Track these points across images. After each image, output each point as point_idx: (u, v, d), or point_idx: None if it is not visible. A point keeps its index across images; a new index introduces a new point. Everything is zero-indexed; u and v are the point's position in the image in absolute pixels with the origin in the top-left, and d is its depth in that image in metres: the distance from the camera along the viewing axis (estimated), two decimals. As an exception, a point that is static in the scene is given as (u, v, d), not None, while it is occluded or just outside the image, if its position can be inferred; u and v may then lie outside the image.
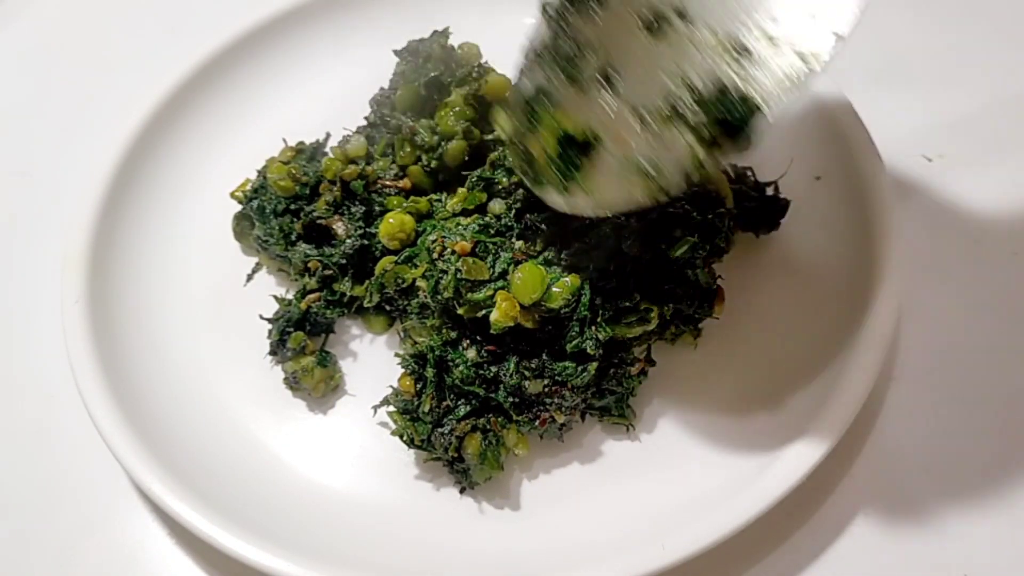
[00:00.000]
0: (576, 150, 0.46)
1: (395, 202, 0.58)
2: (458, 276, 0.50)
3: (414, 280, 0.53)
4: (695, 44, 0.42)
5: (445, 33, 0.62)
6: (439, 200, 0.58)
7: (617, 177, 0.43)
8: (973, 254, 0.61)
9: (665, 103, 0.42)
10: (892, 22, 0.74)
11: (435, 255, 0.52)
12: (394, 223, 0.55)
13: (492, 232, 0.52)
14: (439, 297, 0.51)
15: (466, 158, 0.58)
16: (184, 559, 0.52)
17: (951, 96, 0.69)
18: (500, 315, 0.49)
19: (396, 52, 0.62)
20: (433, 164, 0.58)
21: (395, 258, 0.55)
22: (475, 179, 0.55)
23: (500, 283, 0.50)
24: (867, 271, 0.54)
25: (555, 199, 0.47)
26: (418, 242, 0.55)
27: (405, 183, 0.59)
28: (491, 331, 0.50)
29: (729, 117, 0.40)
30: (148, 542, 0.53)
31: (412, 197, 0.58)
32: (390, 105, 0.61)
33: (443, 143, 0.58)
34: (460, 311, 0.50)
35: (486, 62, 0.62)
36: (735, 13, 0.41)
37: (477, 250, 0.51)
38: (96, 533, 0.54)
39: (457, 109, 0.58)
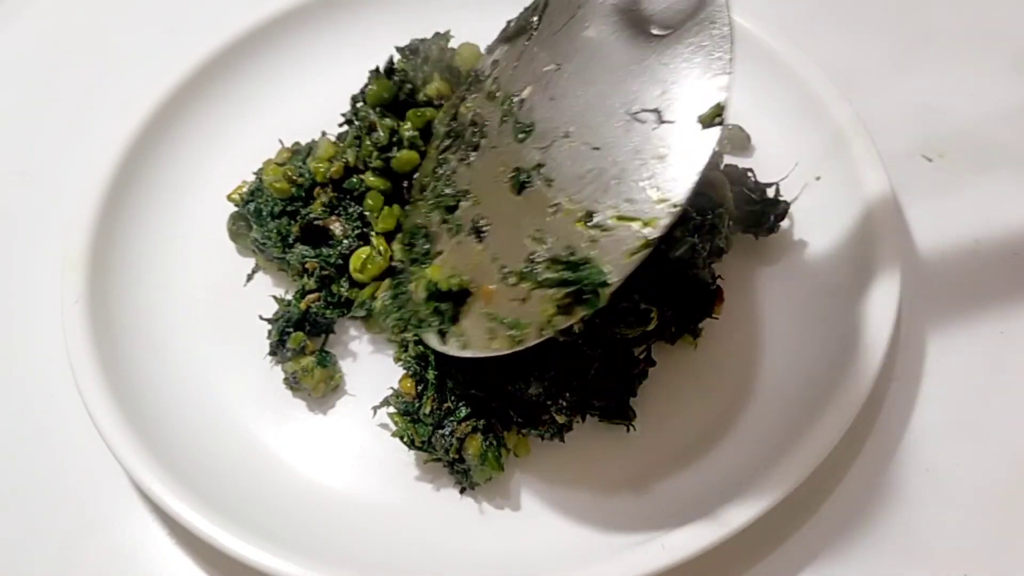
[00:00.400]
0: (447, 301, 0.47)
1: (372, 199, 0.57)
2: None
3: None
4: (553, 207, 0.44)
5: (446, 36, 0.62)
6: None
7: (482, 327, 0.45)
8: (973, 254, 0.61)
9: (524, 261, 0.44)
10: (892, 23, 0.74)
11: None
12: (356, 264, 0.56)
13: None
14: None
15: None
16: (184, 559, 0.52)
17: (952, 96, 0.69)
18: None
19: (398, 48, 0.62)
20: (381, 165, 0.57)
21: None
22: None
23: None
24: (867, 271, 0.54)
25: (426, 336, 0.49)
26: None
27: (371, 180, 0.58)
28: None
29: (577, 280, 0.41)
30: (148, 542, 0.53)
31: (389, 208, 0.57)
32: (364, 98, 0.61)
33: (395, 148, 0.57)
34: None
35: (458, 48, 0.62)
36: (589, 184, 0.43)
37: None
38: (96, 533, 0.54)
39: (421, 113, 0.57)
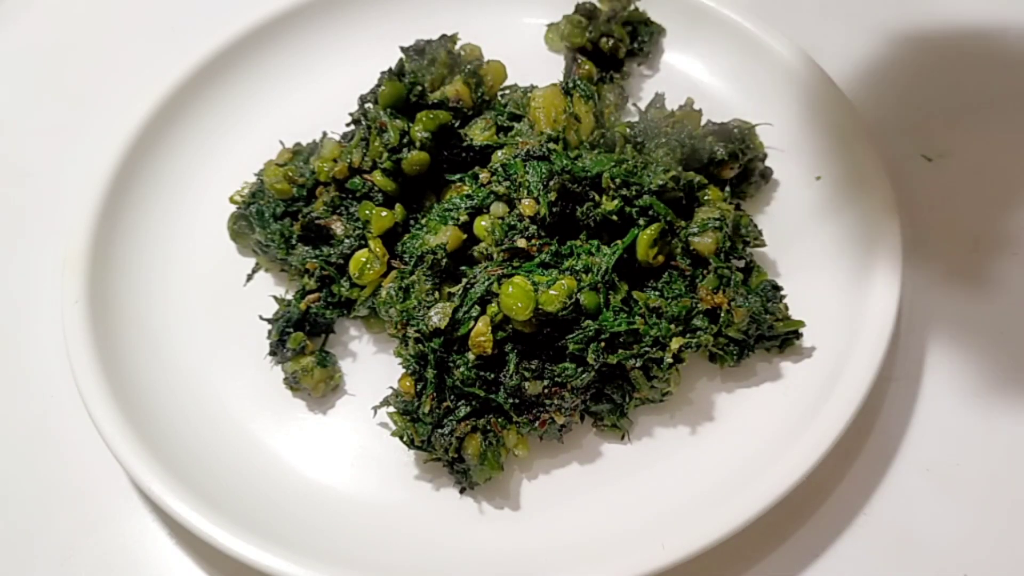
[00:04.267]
0: None
1: (368, 208, 0.56)
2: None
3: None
4: None
5: (453, 38, 0.62)
6: (415, 218, 0.57)
7: None
8: (973, 254, 0.61)
9: None
10: (892, 21, 0.74)
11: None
12: (355, 269, 0.55)
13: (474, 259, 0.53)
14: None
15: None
16: (184, 559, 0.52)
17: (952, 95, 0.69)
18: (475, 351, 0.50)
19: (403, 48, 0.62)
20: (391, 166, 0.57)
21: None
22: (451, 205, 0.55)
23: (475, 311, 0.51)
24: (867, 271, 0.54)
25: None
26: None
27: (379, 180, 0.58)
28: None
29: None
30: (148, 542, 0.53)
31: (386, 211, 0.57)
32: (374, 99, 0.61)
33: (406, 149, 0.57)
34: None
35: (487, 62, 0.62)
36: None
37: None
38: (96, 533, 0.54)
39: (434, 116, 0.57)
